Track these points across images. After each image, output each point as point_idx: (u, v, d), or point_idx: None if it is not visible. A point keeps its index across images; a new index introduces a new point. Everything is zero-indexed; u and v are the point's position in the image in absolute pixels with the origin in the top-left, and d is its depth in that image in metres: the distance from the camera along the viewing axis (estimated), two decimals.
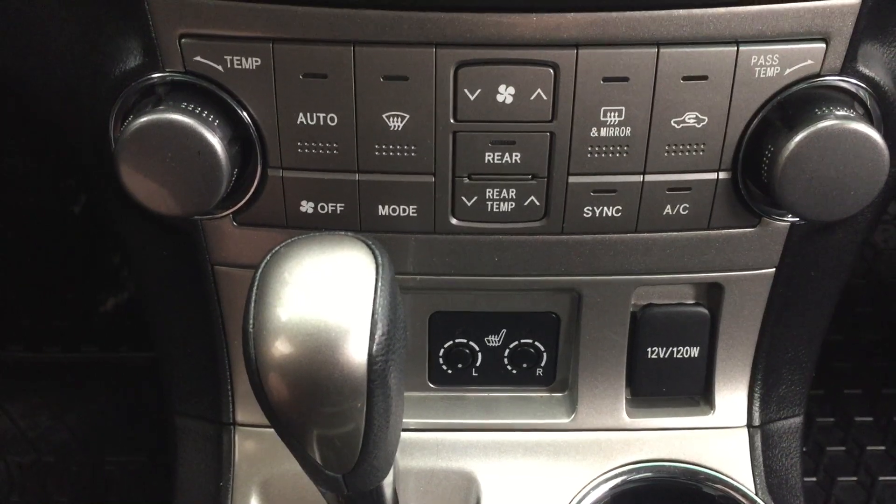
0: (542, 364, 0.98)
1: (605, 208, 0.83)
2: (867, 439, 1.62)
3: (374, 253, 0.66)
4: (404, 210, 0.83)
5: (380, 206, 0.82)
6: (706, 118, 0.78)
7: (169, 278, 0.94)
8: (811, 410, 1.62)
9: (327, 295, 0.63)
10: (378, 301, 0.63)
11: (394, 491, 0.78)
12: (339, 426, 0.64)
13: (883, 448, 1.62)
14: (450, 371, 0.98)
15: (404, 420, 0.91)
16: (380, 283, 0.64)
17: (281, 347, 0.62)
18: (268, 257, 0.66)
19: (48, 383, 1.69)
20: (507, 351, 0.97)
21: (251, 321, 0.63)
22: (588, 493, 0.94)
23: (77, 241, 1.71)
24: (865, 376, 1.69)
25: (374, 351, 0.62)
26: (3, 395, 1.67)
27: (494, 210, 0.83)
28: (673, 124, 0.79)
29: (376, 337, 0.62)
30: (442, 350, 0.97)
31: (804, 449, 1.46)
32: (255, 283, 0.64)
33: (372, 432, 0.65)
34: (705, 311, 0.94)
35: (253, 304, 0.63)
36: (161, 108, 0.74)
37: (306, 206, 0.82)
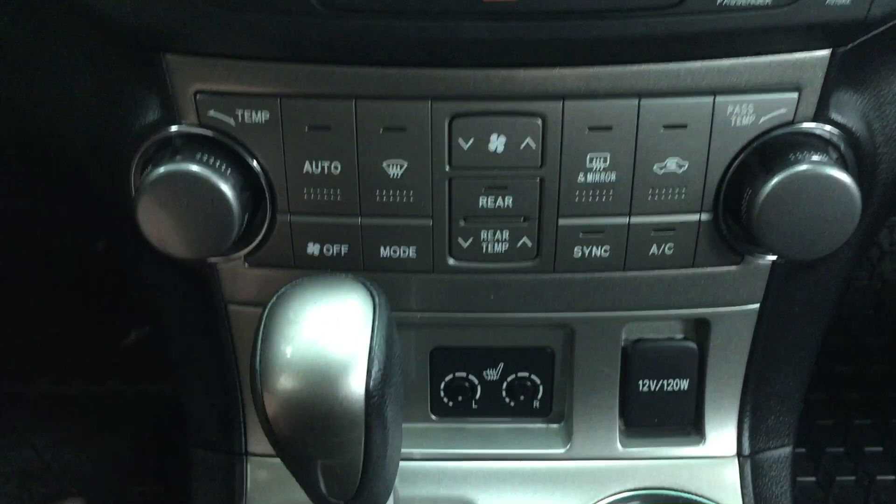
0: (539, 396, 0.99)
1: (594, 248, 0.84)
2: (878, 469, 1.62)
3: (371, 293, 0.69)
4: (404, 251, 0.84)
5: (381, 248, 0.84)
6: (687, 163, 0.80)
7: (184, 316, 0.95)
8: (820, 440, 1.62)
9: (328, 333, 0.66)
10: (375, 339, 0.66)
11: None
12: (339, 456, 0.67)
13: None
14: (450, 403, 0.98)
15: (407, 450, 0.95)
16: (376, 322, 0.67)
17: (285, 382, 0.65)
18: (274, 299, 0.69)
19: (72, 416, 1.69)
20: (505, 384, 0.98)
21: (258, 358, 0.66)
22: None
23: (100, 276, 1.72)
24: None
25: (371, 385, 0.65)
26: (29, 428, 1.68)
27: (489, 251, 0.84)
28: (655, 169, 0.80)
29: (373, 372, 0.65)
30: (442, 383, 0.98)
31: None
32: (262, 323, 0.67)
33: (371, 461, 0.67)
34: (693, 345, 0.95)
35: (260, 343, 0.67)
36: (177, 158, 0.76)
37: (312, 249, 0.84)
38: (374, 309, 0.68)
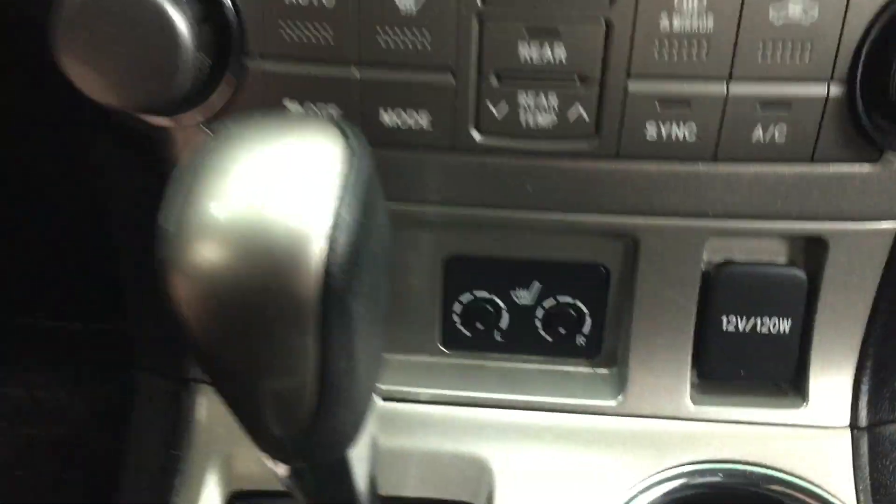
0: (585, 330, 0.89)
1: (675, 126, 0.73)
2: None
3: (345, 135, 0.52)
4: (415, 119, 0.74)
5: (384, 112, 0.74)
6: (816, 9, 0.68)
7: (131, 199, 0.85)
8: None
9: (275, 188, 0.49)
10: (344, 199, 0.49)
11: (370, 473, 0.65)
12: (282, 367, 0.51)
13: None
14: (467, 332, 0.90)
15: (407, 389, 0.86)
16: (350, 175, 0.50)
17: (206, 253, 0.47)
18: (208, 138, 0.52)
19: (70, 355, 1.65)
20: (541, 311, 0.88)
21: (169, 215, 0.49)
22: (636, 497, 0.84)
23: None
24: None
25: (332, 265, 0.48)
26: (24, 365, 1.66)
27: (530, 123, 0.74)
28: (771, 17, 0.69)
29: (338, 246, 0.48)
30: (458, 305, 0.89)
31: None
32: (184, 166, 0.51)
33: (329, 379, 0.51)
34: (802, 273, 0.83)
35: (175, 193, 0.50)
36: None
37: (292, 110, 0.73)
38: (349, 159, 0.51)
